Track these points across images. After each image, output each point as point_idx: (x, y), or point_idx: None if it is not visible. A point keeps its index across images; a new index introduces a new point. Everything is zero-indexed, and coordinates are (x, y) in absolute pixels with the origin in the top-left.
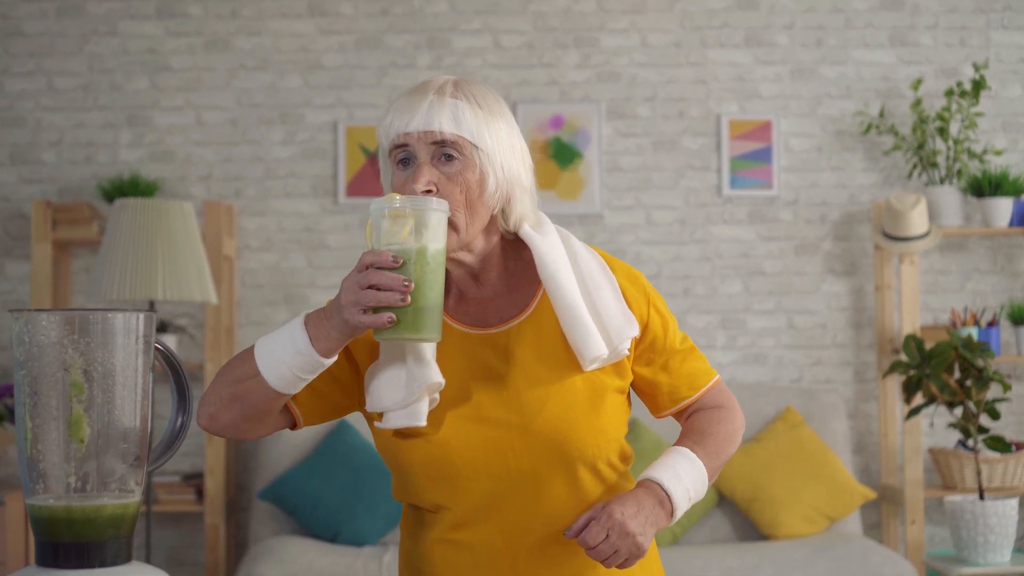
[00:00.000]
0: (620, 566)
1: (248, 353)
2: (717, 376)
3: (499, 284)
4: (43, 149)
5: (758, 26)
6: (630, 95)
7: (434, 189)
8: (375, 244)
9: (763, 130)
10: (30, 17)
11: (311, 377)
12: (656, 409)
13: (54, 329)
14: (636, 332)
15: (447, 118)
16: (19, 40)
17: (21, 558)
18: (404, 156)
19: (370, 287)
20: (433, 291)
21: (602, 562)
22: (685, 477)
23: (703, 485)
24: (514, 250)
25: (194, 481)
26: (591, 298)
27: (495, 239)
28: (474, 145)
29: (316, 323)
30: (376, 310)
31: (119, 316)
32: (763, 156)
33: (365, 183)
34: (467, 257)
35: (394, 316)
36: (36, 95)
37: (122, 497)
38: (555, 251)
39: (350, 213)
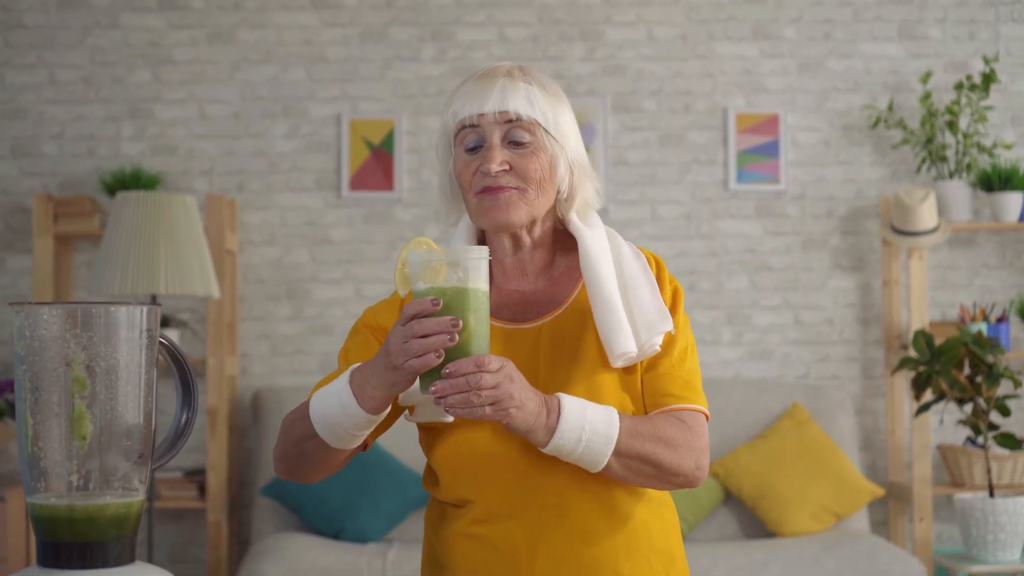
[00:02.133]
0: (453, 408)
1: (305, 411)
2: (698, 409)
3: (542, 279)
4: (44, 142)
5: (765, 19)
6: (636, 88)
7: (508, 168)
8: (414, 291)
9: (770, 124)
10: (31, 9)
11: (367, 432)
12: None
13: (56, 323)
14: (670, 326)
15: (522, 100)
16: (20, 32)
17: (22, 555)
18: (475, 141)
19: (415, 338)
20: (480, 332)
21: (438, 387)
22: (590, 418)
23: (603, 443)
24: (561, 244)
25: (196, 477)
26: (627, 295)
27: (548, 225)
28: (545, 129)
29: (360, 383)
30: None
31: (122, 310)
32: (770, 150)
33: (369, 177)
34: (527, 239)
35: (442, 352)
36: (37, 88)
37: (125, 496)
38: (600, 246)
39: (354, 207)
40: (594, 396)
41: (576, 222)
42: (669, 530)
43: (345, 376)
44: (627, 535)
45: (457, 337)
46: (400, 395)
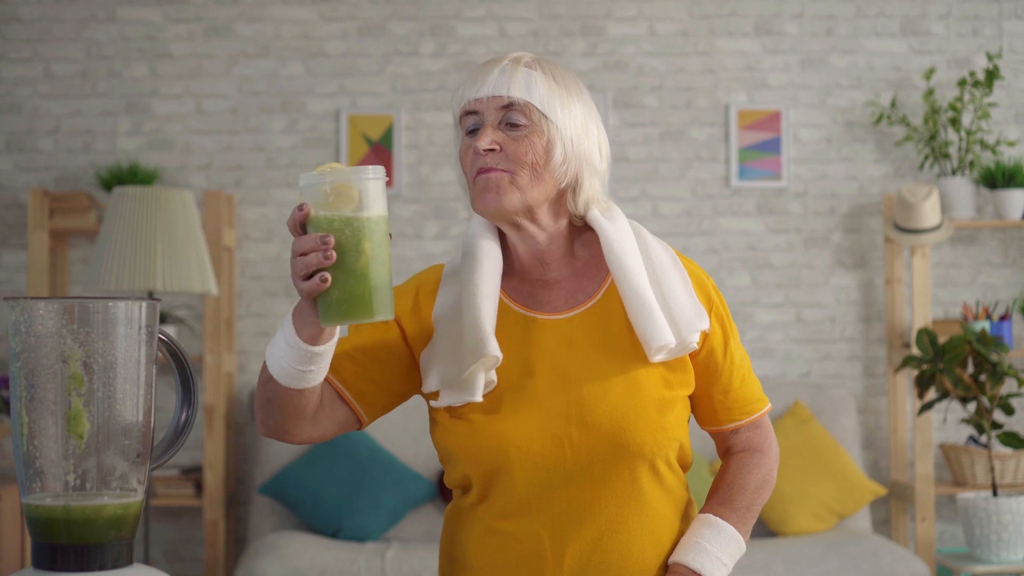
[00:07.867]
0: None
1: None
2: (768, 406)
3: (565, 269)
4: (40, 137)
5: (767, 15)
6: (637, 84)
7: (497, 148)
8: (312, 219)
9: (772, 120)
10: (27, 2)
11: (310, 368)
12: (700, 423)
13: (52, 318)
14: (706, 325)
15: (518, 84)
16: (16, 26)
17: (17, 555)
18: (473, 124)
19: (296, 256)
20: (379, 257)
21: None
22: (711, 547)
23: (735, 543)
24: (582, 238)
25: (193, 475)
26: (660, 287)
27: (563, 221)
28: (543, 114)
29: (297, 312)
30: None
31: (121, 305)
32: (772, 147)
33: None
34: (533, 229)
35: (326, 276)
36: (33, 82)
37: (123, 496)
38: (623, 238)
39: None
40: (634, 391)
41: (595, 215)
42: (690, 523)
43: (291, 311)
44: (653, 527)
45: (333, 255)
46: (424, 383)
